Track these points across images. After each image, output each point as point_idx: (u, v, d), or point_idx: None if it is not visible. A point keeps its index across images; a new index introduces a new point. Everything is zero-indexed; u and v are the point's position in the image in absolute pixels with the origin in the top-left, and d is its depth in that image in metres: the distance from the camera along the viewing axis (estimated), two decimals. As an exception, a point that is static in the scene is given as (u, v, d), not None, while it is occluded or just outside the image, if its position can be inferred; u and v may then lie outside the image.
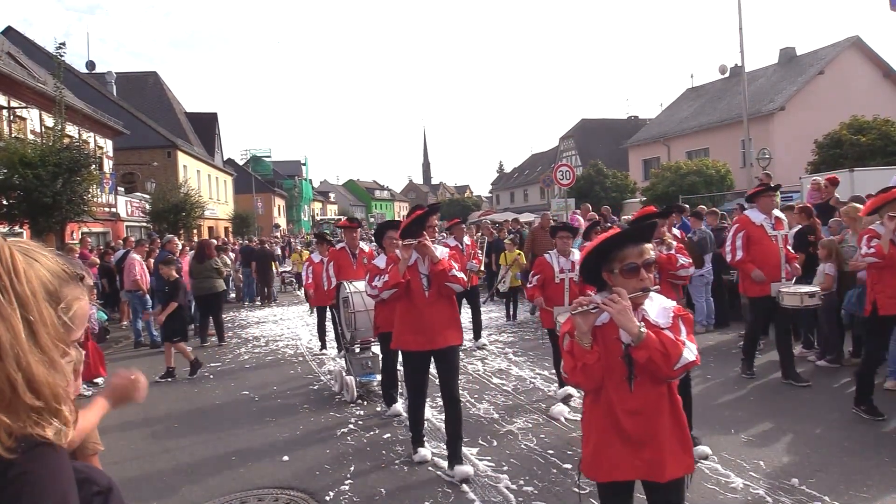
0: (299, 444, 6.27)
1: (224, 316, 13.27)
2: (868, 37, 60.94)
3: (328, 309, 10.14)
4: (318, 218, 70.85)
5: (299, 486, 5.22)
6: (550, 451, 5.59)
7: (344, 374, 7.97)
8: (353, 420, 6.94)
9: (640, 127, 48.90)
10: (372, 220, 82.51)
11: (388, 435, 6.37)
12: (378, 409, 7.35)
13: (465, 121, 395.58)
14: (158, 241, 14.91)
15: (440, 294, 5.29)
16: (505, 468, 5.30)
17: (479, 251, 13.07)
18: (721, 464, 5.14)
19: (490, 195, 77.26)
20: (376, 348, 7.85)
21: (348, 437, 6.39)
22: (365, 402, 7.67)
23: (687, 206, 15.45)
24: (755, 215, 7.37)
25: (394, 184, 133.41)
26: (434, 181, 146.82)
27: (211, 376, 9.67)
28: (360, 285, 7.29)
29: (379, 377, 7.54)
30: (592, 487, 4.82)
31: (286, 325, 14.81)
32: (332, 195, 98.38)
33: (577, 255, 6.72)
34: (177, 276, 9.95)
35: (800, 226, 8.81)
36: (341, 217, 68.92)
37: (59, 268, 1.33)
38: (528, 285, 7.07)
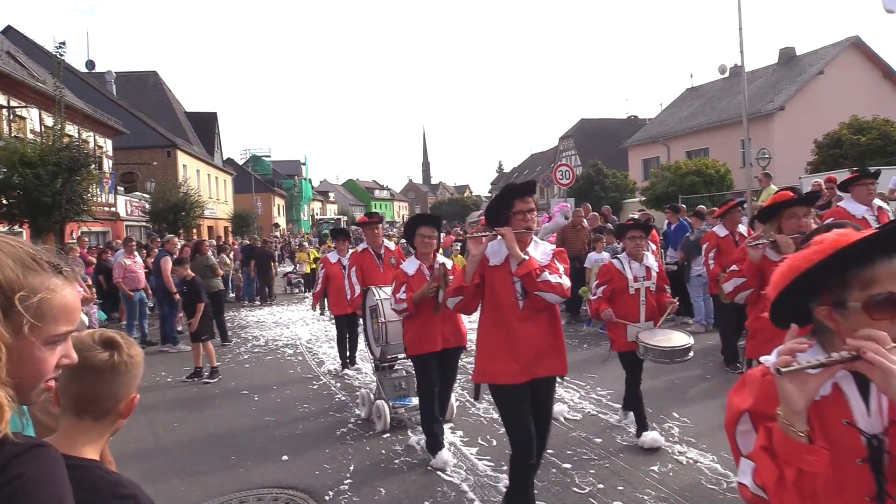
0: (299, 444, 6.27)
1: (224, 316, 13.24)
2: (868, 37, 61.10)
3: (348, 319, 9.23)
4: (317, 217, 70.79)
5: (299, 486, 5.22)
6: (550, 451, 5.58)
7: (373, 397, 6.85)
8: (352, 420, 6.94)
9: (639, 127, 48.85)
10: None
11: (389, 435, 6.37)
12: (414, 441, 6.10)
13: (465, 120, 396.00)
14: (158, 240, 14.90)
15: (536, 307, 3.98)
16: (504, 468, 5.29)
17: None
18: (720, 463, 5.14)
19: (489, 195, 77.25)
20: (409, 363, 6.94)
21: (348, 437, 6.39)
22: (401, 435, 6.34)
23: (684, 206, 15.47)
24: (854, 207, 6.36)
25: (393, 183, 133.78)
26: (434, 181, 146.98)
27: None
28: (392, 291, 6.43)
29: (414, 400, 6.48)
30: (591, 487, 4.83)
31: (286, 325, 14.81)
32: (331, 195, 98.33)
33: (651, 260, 5.83)
34: (193, 274, 9.89)
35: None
36: (341, 217, 69.18)
37: (26, 255, 1.23)
38: (591, 297, 6.03)
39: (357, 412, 7.18)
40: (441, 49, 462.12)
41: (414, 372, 6.07)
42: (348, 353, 9.49)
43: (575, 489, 4.83)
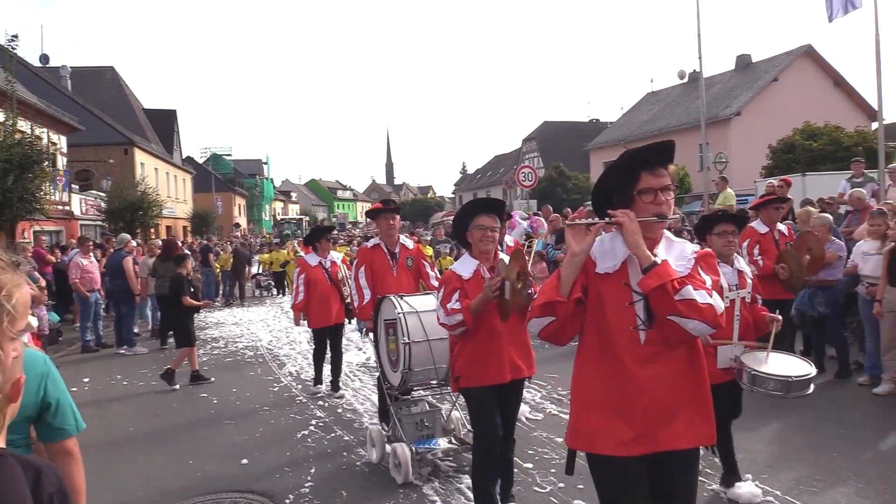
0: (259, 447, 6.20)
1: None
2: (820, 46, 63.00)
3: (331, 332, 8.06)
4: (279, 217, 70.07)
5: (258, 490, 5.16)
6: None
7: (387, 438, 5.53)
8: (313, 422, 6.88)
9: (601, 130, 49.54)
10: (334, 219, 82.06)
11: (350, 437, 6.34)
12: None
13: (429, 121, 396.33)
14: (113, 240, 14.58)
15: (667, 341, 2.53)
16: (466, 468, 5.31)
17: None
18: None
19: (453, 196, 77.43)
20: (434, 396, 5.81)
21: (309, 440, 6.34)
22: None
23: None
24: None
25: (356, 184, 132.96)
26: (397, 181, 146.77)
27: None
28: (417, 302, 5.21)
29: (443, 443, 5.26)
30: (552, 486, 4.87)
31: (246, 326, 14.63)
32: (293, 195, 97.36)
33: (743, 263, 4.66)
34: (190, 270, 9.66)
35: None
36: (303, 217, 68.46)
37: None
38: None
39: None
40: (405, 49, 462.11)
41: (450, 406, 5.20)
42: (331, 378, 8.06)
43: (536, 489, 4.87)
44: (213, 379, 9.00)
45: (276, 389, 8.48)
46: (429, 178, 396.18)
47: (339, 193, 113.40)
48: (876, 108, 13.64)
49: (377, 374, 6.05)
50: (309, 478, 5.34)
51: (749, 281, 4.52)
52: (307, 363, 9.95)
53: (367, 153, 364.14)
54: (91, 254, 12.82)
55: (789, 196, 10.90)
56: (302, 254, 13.98)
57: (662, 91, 43.47)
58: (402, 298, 5.26)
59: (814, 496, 4.55)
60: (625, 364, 2.52)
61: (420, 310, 5.12)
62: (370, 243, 6.55)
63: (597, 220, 2.56)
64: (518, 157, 58.07)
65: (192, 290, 9.30)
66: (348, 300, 7.83)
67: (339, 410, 7.26)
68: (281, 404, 7.72)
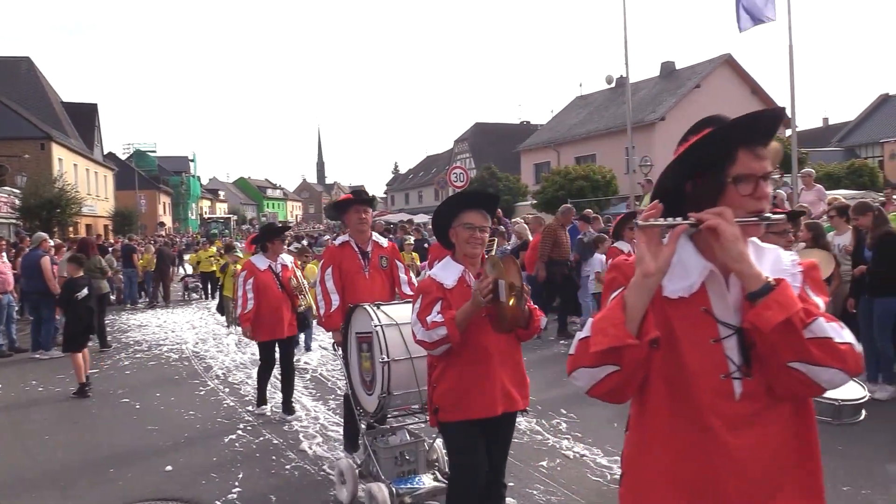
0: (183, 452, 6.03)
1: (104, 319, 12.52)
2: (739, 55, 65.74)
3: (282, 345, 7.10)
4: (206, 216, 68.31)
5: (183, 497, 5.02)
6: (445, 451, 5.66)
7: (358, 473, 4.67)
8: (241, 426, 6.74)
9: (531, 132, 50.28)
10: (264, 219, 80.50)
11: (279, 440, 6.24)
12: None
13: (361, 120, 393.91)
14: (28, 239, 13.92)
15: (770, 397, 1.71)
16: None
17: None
18: (605, 456, 5.38)
19: (385, 196, 77.16)
20: (417, 424, 4.86)
21: (236, 444, 6.20)
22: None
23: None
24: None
25: (287, 182, 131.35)
26: (328, 180, 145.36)
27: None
28: (397, 311, 4.39)
29: (427, 480, 4.44)
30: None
31: (171, 328, 14.19)
32: (221, 193, 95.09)
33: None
34: (82, 273, 9.20)
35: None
36: (231, 216, 67.01)
37: None
38: None
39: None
40: (337, 47, 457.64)
41: (435, 434, 4.31)
42: (283, 398, 7.07)
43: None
44: (90, 396, 8.27)
45: (202, 393, 8.27)
46: (361, 177, 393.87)
47: (269, 192, 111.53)
48: (789, 116, 14.33)
49: (342, 392, 5.30)
50: (237, 483, 5.22)
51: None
52: (234, 365, 9.75)
53: (298, 151, 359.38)
54: (3, 254, 12.20)
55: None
56: (239, 255, 13.59)
57: (591, 95, 44.49)
58: (378, 307, 4.43)
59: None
60: (710, 428, 1.68)
61: (401, 321, 4.23)
62: (338, 240, 5.65)
63: (679, 220, 1.68)
64: (450, 157, 58.34)
65: (87, 293, 8.93)
66: (301, 308, 7.26)
67: (269, 413, 7.13)
68: (207, 408, 7.53)
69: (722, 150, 1.73)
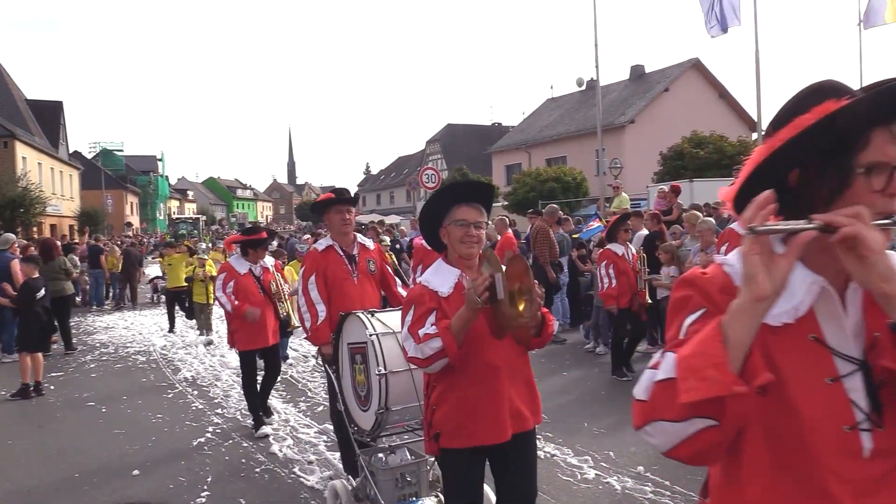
0: (151, 457, 5.94)
1: (69, 321, 12.28)
2: (707, 59, 66.98)
3: (266, 354, 6.62)
4: (174, 217, 67.43)
5: (151, 502, 4.95)
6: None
7: (354, 497, 4.26)
8: (210, 429, 6.66)
9: (503, 133, 50.51)
10: (234, 219, 79.62)
11: (249, 443, 6.18)
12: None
13: (332, 121, 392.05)
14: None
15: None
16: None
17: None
18: (575, 456, 5.42)
19: (356, 196, 76.94)
20: (418, 441, 4.01)
21: (205, 448, 6.13)
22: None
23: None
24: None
25: (257, 183, 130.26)
26: (300, 181, 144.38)
27: (52, 387, 8.91)
28: (393, 319, 3.89)
29: None
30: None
31: (138, 330, 13.96)
32: (190, 193, 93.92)
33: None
34: (37, 275, 9.03)
35: (647, 231, 9.47)
36: (200, 216, 66.18)
37: None
38: None
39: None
40: (308, 46, 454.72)
41: (437, 463, 3.80)
42: (259, 399, 6.62)
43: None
44: (34, 400, 8.15)
45: (170, 396, 8.16)
46: (332, 177, 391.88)
47: (239, 192, 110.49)
48: (756, 120, 14.61)
49: (313, 395, 5.13)
50: (205, 487, 5.16)
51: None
52: (203, 368, 9.63)
53: (269, 151, 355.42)
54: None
55: (679, 201, 11.53)
56: (204, 256, 13.30)
57: (562, 97, 44.83)
58: (372, 315, 4.02)
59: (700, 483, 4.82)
60: (832, 497, 1.27)
61: (398, 329, 3.71)
62: (320, 245, 5.05)
63: (803, 223, 1.22)
64: (422, 158, 58.33)
65: (43, 294, 8.80)
66: (284, 315, 6.67)
67: (239, 416, 7.06)
68: (175, 411, 7.43)
69: (856, 129, 1.26)
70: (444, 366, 2.80)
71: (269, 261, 6.80)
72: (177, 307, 13.60)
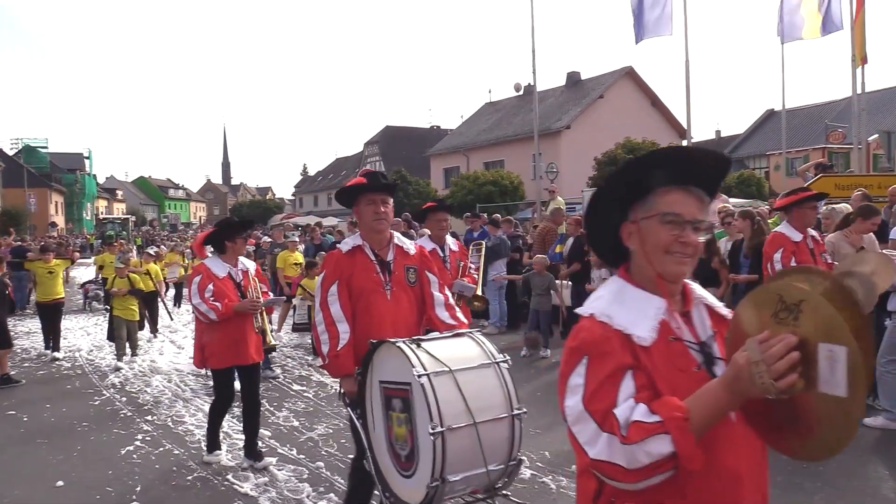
0: (76, 467, 5.73)
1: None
2: (640, 67, 68.73)
3: (244, 374, 5.60)
4: (102, 217, 65.14)
5: (76, 513, 4.79)
6: (351, 456, 5.63)
7: None
8: (140, 436, 6.47)
9: (441, 136, 50.72)
10: (165, 220, 77.40)
11: (181, 451, 6.03)
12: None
13: (269, 120, 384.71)
14: None
15: None
16: (306, 476, 5.24)
17: (473, 264, 7.11)
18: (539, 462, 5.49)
19: (293, 198, 75.82)
20: None
21: (135, 455, 5.95)
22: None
23: (484, 214, 16.30)
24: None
25: (190, 183, 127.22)
26: (234, 181, 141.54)
27: (-33, 395, 8.50)
28: (445, 350, 3.12)
29: None
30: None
31: (62, 335, 13.40)
32: (119, 192, 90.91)
33: None
34: None
35: (573, 236, 9.69)
36: (129, 217, 64.06)
37: None
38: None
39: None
40: (244, 42, 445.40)
41: None
42: (246, 440, 5.63)
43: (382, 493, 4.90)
44: (23, 381, 8.15)
45: (96, 403, 7.88)
46: (268, 178, 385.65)
47: (171, 192, 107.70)
48: (686, 127, 15.14)
49: (363, 465, 3.56)
50: (134, 497, 5.02)
51: None
52: (133, 374, 9.33)
53: (202, 150, 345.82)
54: None
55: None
56: (150, 252, 12.85)
57: (500, 102, 45.35)
58: (418, 345, 3.06)
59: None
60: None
61: (455, 366, 2.93)
62: (346, 245, 3.93)
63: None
64: (360, 160, 58.02)
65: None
66: (258, 328, 5.62)
67: (170, 423, 6.88)
68: (102, 419, 7.19)
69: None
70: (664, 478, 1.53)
71: (249, 264, 5.87)
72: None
